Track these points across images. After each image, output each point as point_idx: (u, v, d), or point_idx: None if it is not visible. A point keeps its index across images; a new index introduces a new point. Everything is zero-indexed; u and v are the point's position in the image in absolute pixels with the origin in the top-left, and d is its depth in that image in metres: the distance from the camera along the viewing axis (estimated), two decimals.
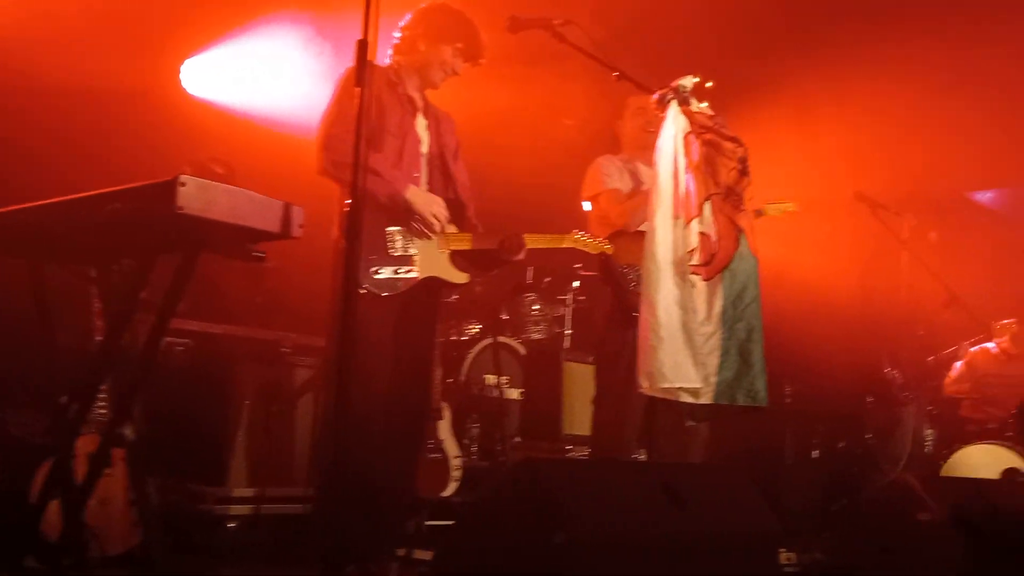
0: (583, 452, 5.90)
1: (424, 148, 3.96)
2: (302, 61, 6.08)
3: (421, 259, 3.83)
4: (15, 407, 4.33)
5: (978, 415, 7.00)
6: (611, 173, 4.67)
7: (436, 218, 3.81)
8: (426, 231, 3.81)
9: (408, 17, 3.96)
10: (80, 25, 5.08)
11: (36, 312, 2.96)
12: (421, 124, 3.98)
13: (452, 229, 3.93)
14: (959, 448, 6.26)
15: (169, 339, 4.83)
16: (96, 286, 3.27)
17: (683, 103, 3.79)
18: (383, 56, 4.01)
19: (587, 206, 4.79)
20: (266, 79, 6.18)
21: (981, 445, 6.31)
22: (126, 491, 3.80)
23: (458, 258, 3.92)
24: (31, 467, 3.74)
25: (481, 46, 3.96)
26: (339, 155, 3.56)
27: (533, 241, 4.02)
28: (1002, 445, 6.27)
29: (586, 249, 4.32)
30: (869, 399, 6.35)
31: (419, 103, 3.99)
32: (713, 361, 3.70)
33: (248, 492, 4.57)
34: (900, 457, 6.25)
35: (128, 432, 3.00)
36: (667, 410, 3.83)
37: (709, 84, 3.83)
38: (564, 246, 4.21)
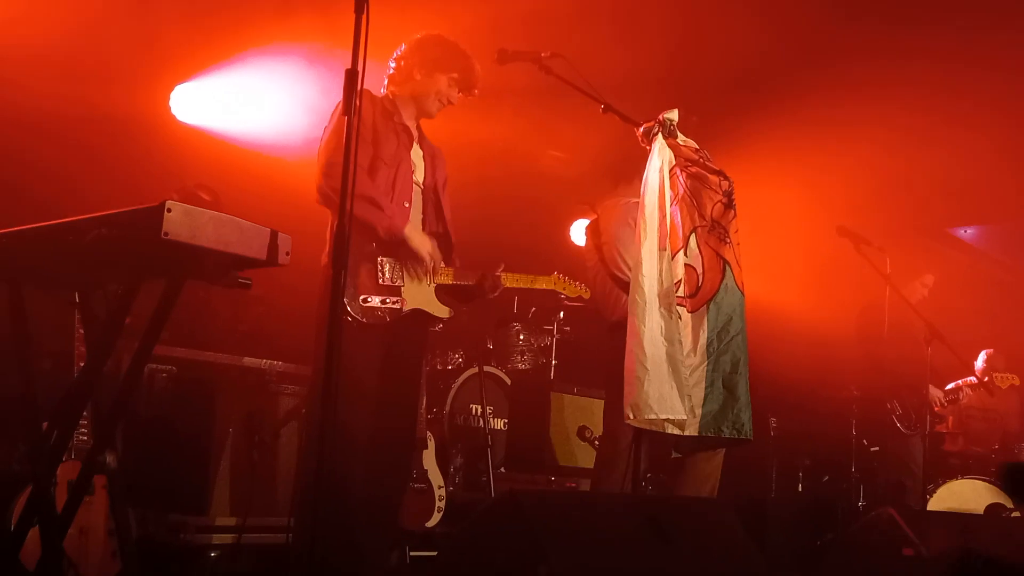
0: (569, 483, 5.88)
1: (419, 178, 3.96)
2: (290, 89, 6.10)
3: (408, 291, 3.83)
4: None
5: (962, 449, 7.03)
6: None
7: (430, 259, 3.81)
8: (418, 270, 3.81)
9: (402, 47, 3.98)
10: (69, 51, 5.09)
11: (15, 337, 2.93)
12: (417, 154, 3.99)
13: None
14: (944, 483, 6.28)
15: (152, 365, 4.80)
16: (79, 311, 3.24)
17: (669, 136, 3.82)
18: (378, 86, 4.03)
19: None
20: (254, 106, 6.20)
21: (966, 480, 6.34)
22: (106, 519, 3.76)
23: (441, 292, 3.93)
24: (9, 494, 3.70)
25: (476, 76, 3.99)
26: (339, 183, 3.55)
27: (512, 280, 4.06)
28: (986, 480, 6.29)
29: (564, 292, 4.38)
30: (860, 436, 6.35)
31: (415, 133, 4.01)
32: (699, 393, 3.71)
33: (230, 521, 4.52)
34: (912, 488, 6.25)
35: (109, 459, 2.96)
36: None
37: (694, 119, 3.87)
38: (543, 287, 4.25)
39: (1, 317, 2.94)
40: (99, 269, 2.87)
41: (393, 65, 3.99)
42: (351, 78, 2.62)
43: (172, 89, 5.95)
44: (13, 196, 4.87)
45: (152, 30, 5.40)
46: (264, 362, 5.19)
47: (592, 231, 4.73)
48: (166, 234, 2.37)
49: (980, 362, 7.25)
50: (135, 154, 5.48)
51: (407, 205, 3.87)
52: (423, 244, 3.80)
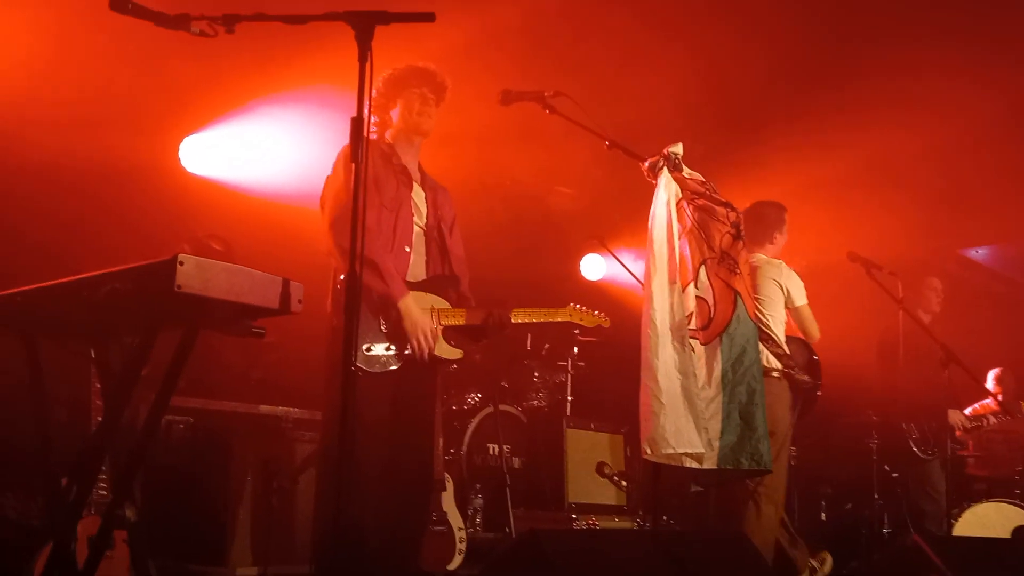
0: (590, 520, 5.84)
1: (421, 220, 3.96)
2: (296, 137, 6.17)
3: None
4: (11, 488, 4.30)
5: (985, 472, 6.95)
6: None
7: (421, 341, 3.74)
8: (411, 345, 3.75)
9: (372, 98, 3.99)
10: (78, 103, 5.16)
11: (32, 390, 2.95)
12: (419, 195, 3.99)
13: (444, 305, 3.92)
14: (969, 506, 6.21)
15: (169, 416, 4.81)
16: (95, 365, 3.26)
17: (674, 169, 3.83)
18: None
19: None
20: (262, 156, 6.26)
21: (991, 503, 6.26)
22: (128, 573, 3.75)
23: (450, 333, 3.90)
24: (30, 550, 3.70)
25: (436, 75, 3.97)
26: (346, 241, 3.53)
27: (527, 315, 4.01)
28: (1012, 503, 6.22)
29: (582, 323, 4.31)
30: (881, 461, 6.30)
31: (415, 175, 4.02)
32: (715, 425, 3.69)
33: (251, 572, 4.51)
34: (933, 513, 6.18)
35: (129, 513, 2.96)
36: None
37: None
38: (559, 320, 4.21)
39: (18, 370, 2.95)
40: (114, 322, 2.89)
41: (374, 119, 4.01)
42: (357, 125, 2.65)
43: (181, 140, 6.02)
44: (25, 249, 4.92)
45: (160, 83, 5.47)
46: (280, 409, 5.19)
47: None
48: (179, 287, 2.39)
49: (990, 381, 7.19)
50: (146, 205, 5.53)
51: (408, 250, 3.87)
52: (416, 323, 3.73)
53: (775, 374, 5.02)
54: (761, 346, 4.79)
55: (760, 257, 5.29)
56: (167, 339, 2.77)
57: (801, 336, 5.34)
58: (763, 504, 4.94)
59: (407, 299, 3.75)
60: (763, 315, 5.07)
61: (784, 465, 5.08)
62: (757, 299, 5.06)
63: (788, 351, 5.14)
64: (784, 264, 5.30)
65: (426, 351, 3.76)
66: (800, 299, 5.24)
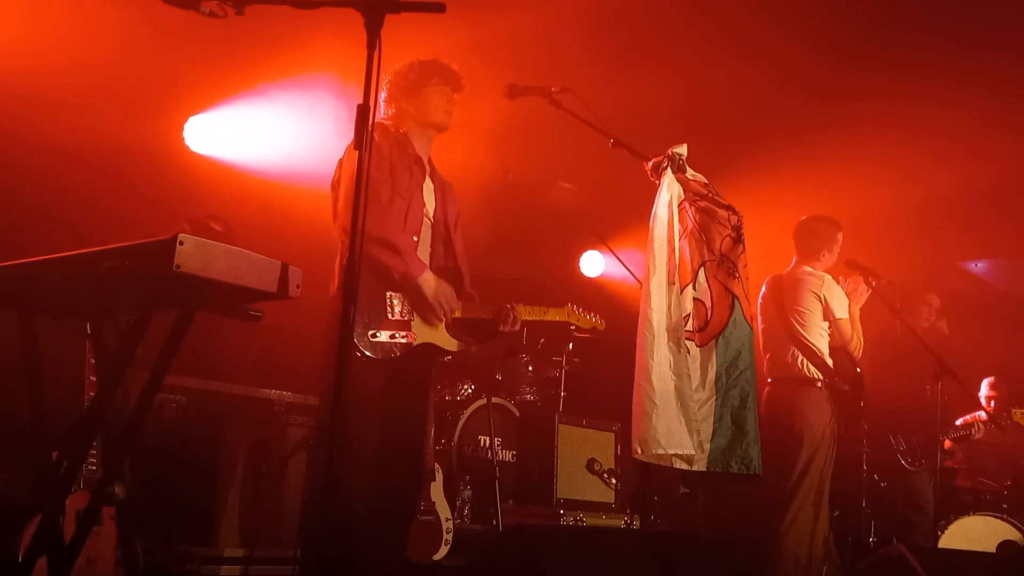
0: (578, 516, 5.85)
1: (430, 212, 3.97)
2: (302, 120, 6.16)
3: (418, 325, 3.82)
4: (2, 462, 4.30)
5: (973, 485, 6.96)
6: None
7: (443, 307, 3.80)
8: (429, 316, 3.81)
9: (384, 94, 3.99)
10: (84, 82, 5.15)
11: (26, 365, 2.95)
12: (428, 188, 4.00)
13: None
14: (956, 519, 6.22)
15: (162, 395, 4.80)
16: (90, 341, 3.26)
17: (678, 170, 3.84)
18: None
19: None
20: (267, 137, 6.26)
21: (978, 516, 6.28)
22: (114, 550, 3.76)
23: (453, 326, 3.92)
24: (18, 524, 3.70)
25: (455, 71, 3.99)
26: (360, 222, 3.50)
27: (526, 313, 4.04)
28: (998, 517, 6.23)
29: (579, 323, 4.36)
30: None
31: (427, 166, 4.03)
32: (707, 428, 3.70)
33: (238, 553, 4.51)
34: (920, 524, 6.22)
35: (118, 490, 2.96)
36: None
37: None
38: (557, 319, 4.24)
39: (13, 345, 2.95)
40: (111, 299, 2.89)
41: (391, 110, 4.01)
42: (363, 113, 2.64)
43: (186, 120, 6.01)
44: (28, 226, 4.92)
45: (167, 62, 5.46)
46: (273, 392, 5.19)
47: (775, 292, 5.45)
48: (178, 267, 2.39)
49: (983, 390, 7.20)
50: (149, 184, 5.53)
51: (416, 239, 3.88)
52: (436, 292, 3.78)
53: (819, 384, 5.28)
54: (800, 355, 5.22)
55: (805, 270, 5.46)
56: (164, 318, 2.77)
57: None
58: (799, 507, 5.15)
59: (427, 273, 3.78)
60: (802, 327, 5.32)
61: (818, 470, 5.22)
62: (798, 311, 5.33)
63: (831, 362, 5.34)
64: (828, 277, 5.43)
65: (450, 312, 3.80)
66: (840, 312, 5.37)
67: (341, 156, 3.88)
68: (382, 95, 3.99)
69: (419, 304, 3.78)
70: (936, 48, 5.79)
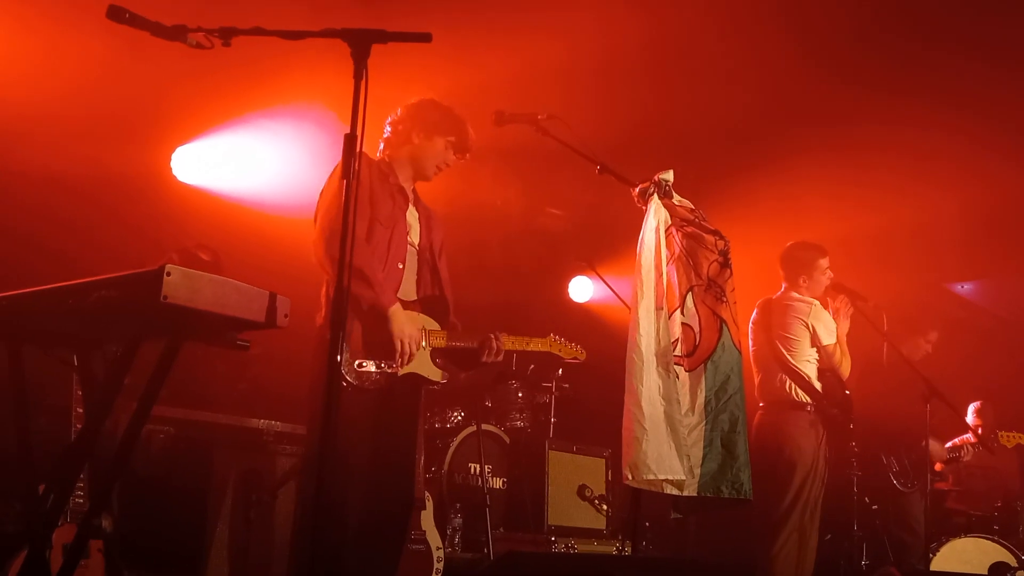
0: (569, 543, 5.82)
1: (415, 239, 3.98)
2: (289, 149, 6.18)
3: None
4: None
5: (964, 507, 6.97)
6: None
7: (406, 345, 3.72)
8: (396, 352, 3.72)
9: (399, 111, 4.03)
10: (71, 111, 5.16)
11: (13, 396, 2.93)
12: (412, 215, 4.00)
13: (435, 327, 3.93)
14: (947, 541, 6.22)
15: (150, 426, 4.77)
16: (78, 373, 3.25)
17: (664, 196, 3.85)
18: (374, 149, 4.07)
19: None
20: (254, 167, 6.27)
21: (970, 538, 6.28)
22: None
23: (436, 355, 3.91)
24: (4, 557, 3.67)
25: (470, 140, 4.04)
26: (338, 252, 3.52)
27: (509, 343, 4.05)
28: (990, 539, 6.24)
29: (560, 354, 4.40)
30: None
31: (410, 195, 4.03)
32: (697, 453, 3.69)
33: None
34: (913, 546, 6.22)
35: (105, 523, 2.94)
36: None
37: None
38: (539, 349, 4.28)
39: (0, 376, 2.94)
40: (98, 330, 2.88)
41: (390, 129, 4.03)
42: (350, 142, 2.65)
43: (174, 150, 6.02)
44: (15, 256, 4.90)
45: (155, 92, 5.48)
46: (262, 422, 5.17)
47: (764, 316, 5.54)
48: (165, 297, 2.39)
49: (970, 415, 7.23)
50: (137, 213, 5.53)
51: (401, 266, 3.88)
52: (402, 328, 3.71)
53: (808, 408, 5.34)
54: (789, 381, 5.29)
55: (793, 295, 5.53)
56: (151, 348, 2.77)
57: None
58: (791, 531, 5.19)
59: (396, 307, 3.74)
60: (789, 352, 5.39)
61: (810, 494, 5.27)
62: (786, 337, 5.42)
63: (819, 385, 5.40)
64: (817, 304, 5.49)
65: (407, 357, 3.74)
66: (827, 338, 5.43)
67: (323, 186, 3.88)
68: (392, 116, 4.01)
69: (389, 341, 3.75)
70: (923, 69, 5.85)
